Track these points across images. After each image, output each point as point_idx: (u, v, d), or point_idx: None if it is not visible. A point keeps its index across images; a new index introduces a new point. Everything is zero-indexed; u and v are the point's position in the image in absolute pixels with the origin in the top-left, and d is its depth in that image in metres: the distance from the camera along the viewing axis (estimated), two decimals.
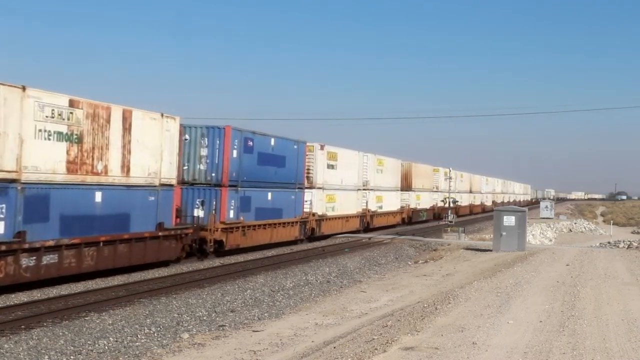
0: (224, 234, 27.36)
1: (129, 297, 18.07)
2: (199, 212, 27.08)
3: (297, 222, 34.30)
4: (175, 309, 16.70)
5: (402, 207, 54.25)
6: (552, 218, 72.60)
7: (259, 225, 30.38)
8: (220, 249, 27.49)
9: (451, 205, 53.20)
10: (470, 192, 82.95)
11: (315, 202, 36.53)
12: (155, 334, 14.02)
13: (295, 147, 34.15)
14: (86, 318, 15.28)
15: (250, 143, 29.38)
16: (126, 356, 12.32)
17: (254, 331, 14.20)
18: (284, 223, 32.75)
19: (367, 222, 45.60)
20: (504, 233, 30.06)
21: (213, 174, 27.64)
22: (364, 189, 44.81)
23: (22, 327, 14.14)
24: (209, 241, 26.52)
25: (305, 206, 35.43)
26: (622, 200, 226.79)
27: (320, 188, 37.50)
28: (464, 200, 77.70)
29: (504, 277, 20.66)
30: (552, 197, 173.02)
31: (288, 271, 24.25)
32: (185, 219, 26.15)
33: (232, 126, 27.99)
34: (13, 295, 17.65)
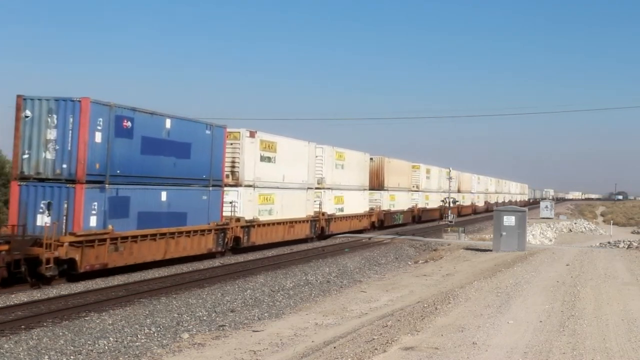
0: (76, 250, 19.70)
1: (129, 297, 18.05)
2: (44, 219, 19.66)
3: (211, 229, 26.68)
4: (175, 309, 16.70)
5: (371, 209, 46.89)
6: (552, 218, 72.59)
7: (145, 236, 22.59)
8: (72, 271, 19.96)
9: (451, 205, 52.30)
10: (459, 191, 74.36)
11: (242, 204, 29.20)
12: (155, 334, 14.03)
13: (208, 132, 26.53)
14: (86, 318, 15.27)
15: (128, 124, 21.93)
16: (126, 356, 12.32)
17: (254, 331, 14.21)
18: (189, 232, 25.12)
19: (322, 228, 38.32)
20: (504, 233, 30.07)
21: (64, 166, 20.19)
22: (318, 188, 37.78)
23: (22, 327, 14.13)
24: (45, 261, 18.68)
25: (226, 209, 28.05)
26: (618, 200, 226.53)
27: (250, 186, 29.98)
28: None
29: (504, 277, 20.66)
30: (551, 197, 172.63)
31: (288, 271, 24.24)
32: (24, 229, 19.38)
33: (94, 99, 20.41)
34: (13, 295, 17.65)
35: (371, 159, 48.29)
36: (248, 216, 29.69)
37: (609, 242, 42.53)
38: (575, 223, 68.07)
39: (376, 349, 11.21)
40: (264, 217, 31.28)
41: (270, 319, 15.77)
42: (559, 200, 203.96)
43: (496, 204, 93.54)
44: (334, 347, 11.82)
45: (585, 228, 65.71)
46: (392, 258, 31.25)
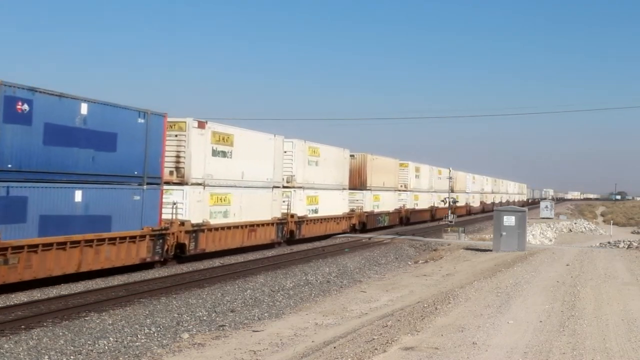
0: None
1: (129, 297, 18.05)
2: None
3: (145, 235, 22.46)
4: (175, 309, 16.71)
5: (351, 211, 42.91)
6: (552, 218, 72.58)
7: (49, 245, 18.41)
8: None
9: (451, 205, 52.03)
10: (452, 191, 68.68)
11: (189, 205, 25.22)
12: (155, 334, 14.03)
13: (142, 121, 22.36)
14: (86, 318, 15.27)
15: (24, 107, 17.68)
16: (126, 356, 12.32)
17: (254, 331, 14.21)
18: (113, 239, 20.95)
19: (291, 231, 34.13)
20: (504, 233, 30.08)
21: None
22: (286, 187, 34.10)
23: (22, 327, 14.13)
24: None
25: (165, 211, 23.95)
26: (617, 200, 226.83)
27: (198, 184, 25.93)
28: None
29: (504, 277, 20.66)
30: (551, 197, 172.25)
31: (288, 271, 24.24)
32: None
33: None
34: (13, 295, 17.64)
35: (352, 155, 44.20)
36: (196, 219, 25.54)
37: (609, 242, 42.52)
38: (575, 223, 68.09)
39: (376, 349, 11.21)
40: (217, 220, 27.06)
41: (270, 319, 15.77)
42: (558, 200, 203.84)
43: (493, 204, 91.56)
44: (334, 347, 11.82)
45: (585, 228, 65.72)
46: (392, 258, 31.26)
